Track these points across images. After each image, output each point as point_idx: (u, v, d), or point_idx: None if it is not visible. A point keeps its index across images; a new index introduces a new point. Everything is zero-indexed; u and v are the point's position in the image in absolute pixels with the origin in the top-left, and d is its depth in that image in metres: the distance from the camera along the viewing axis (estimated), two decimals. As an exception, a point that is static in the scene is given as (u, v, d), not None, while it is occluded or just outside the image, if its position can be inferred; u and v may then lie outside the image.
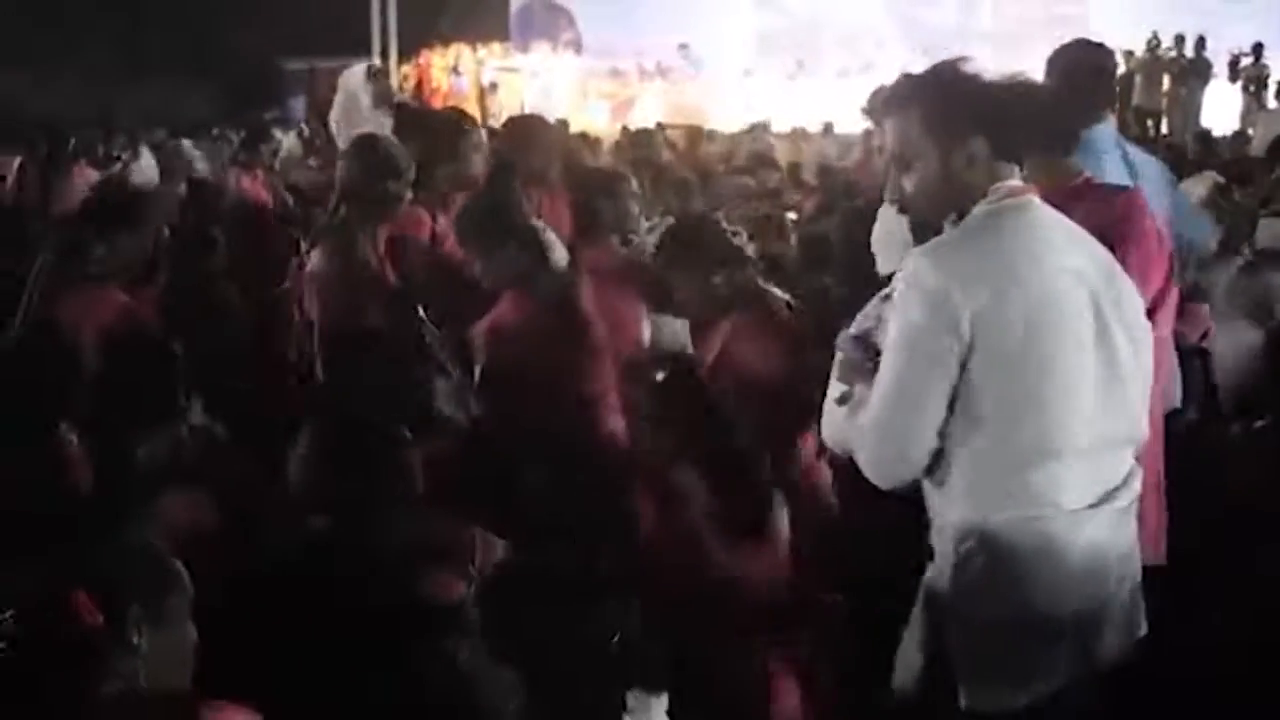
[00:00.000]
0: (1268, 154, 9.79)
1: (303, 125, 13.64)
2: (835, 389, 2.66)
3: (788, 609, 3.03)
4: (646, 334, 4.15)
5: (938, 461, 2.48)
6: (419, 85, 20.61)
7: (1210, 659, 3.14)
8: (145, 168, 9.01)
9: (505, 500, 3.28)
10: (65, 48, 16.28)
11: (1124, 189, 3.43)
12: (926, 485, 2.56)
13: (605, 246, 4.39)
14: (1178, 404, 3.73)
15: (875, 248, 4.21)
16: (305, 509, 2.90)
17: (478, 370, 3.92)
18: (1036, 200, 2.53)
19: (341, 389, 3.64)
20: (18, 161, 8.66)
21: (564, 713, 2.13)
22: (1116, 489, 2.54)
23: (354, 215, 4.28)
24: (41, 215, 6.88)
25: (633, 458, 3.66)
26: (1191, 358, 4.04)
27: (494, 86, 20.77)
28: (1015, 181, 2.51)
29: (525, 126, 5.39)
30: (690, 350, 3.87)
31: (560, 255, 4.00)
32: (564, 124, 11.64)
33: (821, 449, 3.40)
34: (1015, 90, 2.52)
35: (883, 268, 4.03)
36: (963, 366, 2.40)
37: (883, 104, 2.61)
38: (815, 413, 2.81)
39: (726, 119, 18.23)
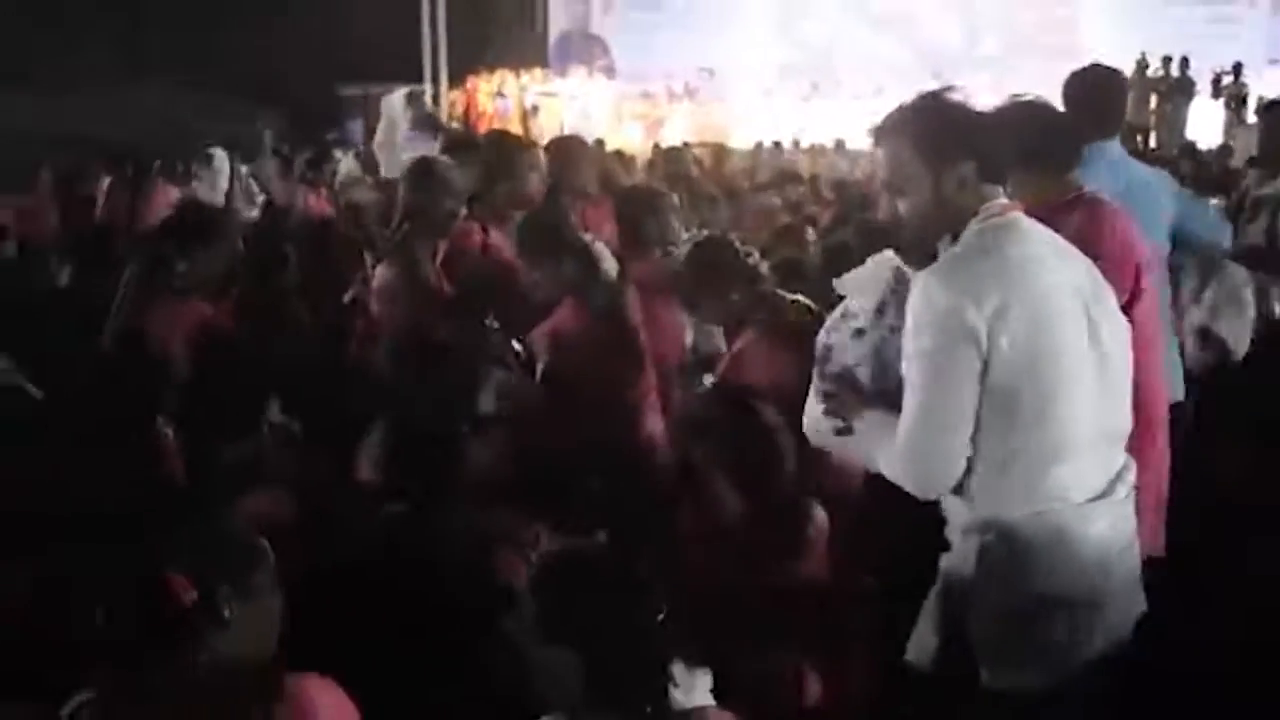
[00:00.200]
0: (1245, 166, 9.71)
1: (359, 147, 13.65)
2: (816, 393, 2.67)
3: (820, 608, 2.99)
4: (689, 340, 4.18)
5: None
6: (467, 109, 20.61)
7: (1207, 651, 3.14)
8: (217, 170, 9.09)
9: (558, 493, 3.29)
10: (137, 77, 16.68)
11: (1094, 200, 3.31)
12: None
13: (650, 259, 4.41)
14: (1180, 397, 3.72)
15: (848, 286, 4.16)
16: (376, 501, 2.93)
17: (539, 369, 3.96)
18: (1023, 215, 2.52)
19: (407, 391, 3.66)
20: (107, 182, 8.70)
21: (616, 688, 2.13)
22: (1116, 480, 2.54)
23: (415, 232, 4.32)
24: (128, 233, 6.93)
25: (671, 460, 3.66)
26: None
27: (535, 109, 20.73)
28: (1003, 200, 2.51)
29: (567, 146, 5.40)
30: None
31: (610, 265, 4.05)
32: (601, 143, 11.63)
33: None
34: (1001, 115, 2.52)
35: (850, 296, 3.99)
36: (980, 377, 2.39)
37: (876, 133, 2.58)
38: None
39: (747, 137, 18.24)
